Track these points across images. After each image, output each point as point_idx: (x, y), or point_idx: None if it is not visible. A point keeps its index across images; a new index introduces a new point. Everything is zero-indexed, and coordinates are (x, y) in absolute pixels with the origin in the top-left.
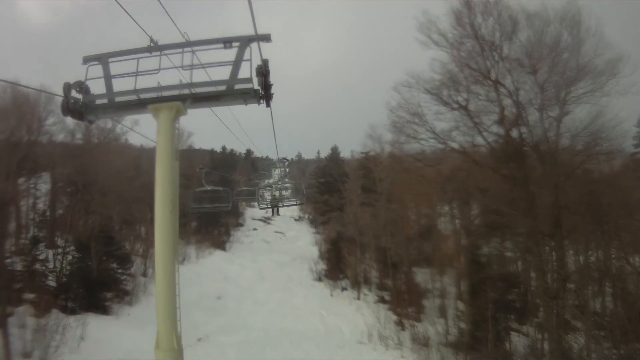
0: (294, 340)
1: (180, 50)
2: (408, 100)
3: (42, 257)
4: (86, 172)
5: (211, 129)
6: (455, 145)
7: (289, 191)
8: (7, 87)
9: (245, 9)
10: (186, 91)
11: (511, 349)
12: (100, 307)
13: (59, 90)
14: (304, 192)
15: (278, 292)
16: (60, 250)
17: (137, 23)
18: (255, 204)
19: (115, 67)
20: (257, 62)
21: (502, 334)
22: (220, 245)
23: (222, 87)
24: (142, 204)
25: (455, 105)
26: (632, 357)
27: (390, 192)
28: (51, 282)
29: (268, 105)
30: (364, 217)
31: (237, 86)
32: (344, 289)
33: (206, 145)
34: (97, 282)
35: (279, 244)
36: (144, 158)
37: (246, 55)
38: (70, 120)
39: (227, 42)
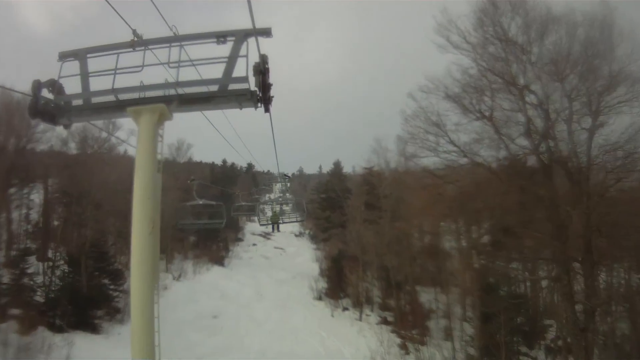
0: None
1: (167, 45)
2: (426, 108)
3: (32, 270)
4: (80, 183)
5: (212, 142)
6: (479, 159)
7: (290, 206)
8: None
9: (244, 8)
10: (172, 92)
11: None
12: (89, 325)
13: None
14: (305, 208)
15: (277, 311)
16: (49, 264)
17: (119, 14)
18: (255, 218)
19: (95, 65)
20: (255, 59)
21: None
22: (219, 260)
23: (215, 88)
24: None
25: (477, 115)
26: None
27: (395, 209)
28: (39, 297)
29: (267, 109)
30: (367, 234)
31: (232, 86)
32: (345, 309)
33: (207, 159)
34: (87, 299)
35: (279, 260)
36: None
37: (243, 52)
38: (62, 129)
39: (220, 37)
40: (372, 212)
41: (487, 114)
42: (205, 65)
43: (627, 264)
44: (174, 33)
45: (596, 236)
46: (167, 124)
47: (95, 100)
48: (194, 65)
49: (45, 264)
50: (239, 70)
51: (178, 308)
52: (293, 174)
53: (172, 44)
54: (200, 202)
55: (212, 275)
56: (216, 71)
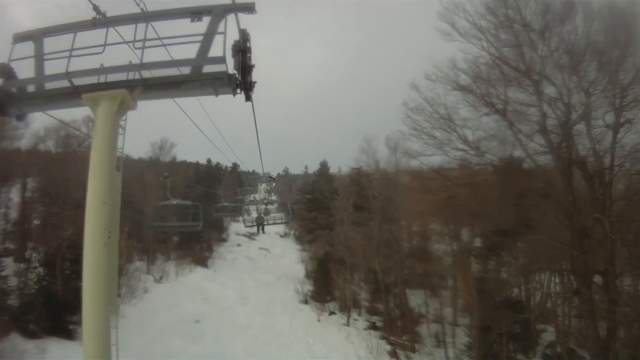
0: None
1: (133, 22)
2: (432, 100)
3: (6, 272)
4: (58, 182)
5: (197, 141)
6: (492, 158)
7: (275, 206)
8: None
9: None
10: (137, 76)
11: None
12: (64, 331)
13: None
14: (290, 210)
15: (261, 316)
16: (25, 265)
17: None
18: (240, 218)
19: (53, 47)
20: (235, 39)
21: None
22: (202, 261)
23: (187, 71)
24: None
25: (490, 109)
26: None
27: (386, 210)
28: (13, 300)
29: (248, 97)
30: (355, 236)
31: (207, 69)
32: (331, 312)
33: (191, 158)
34: (62, 303)
35: (264, 261)
36: (125, 169)
37: (221, 29)
38: (40, 126)
39: (195, 13)
40: (361, 214)
41: (499, 107)
42: (177, 46)
43: None
44: (142, 9)
45: (619, 245)
46: (148, 118)
47: (49, 86)
48: (163, 45)
49: (19, 266)
50: (216, 51)
51: (159, 312)
52: (278, 174)
53: (139, 22)
54: (174, 202)
55: (195, 277)
56: (189, 53)
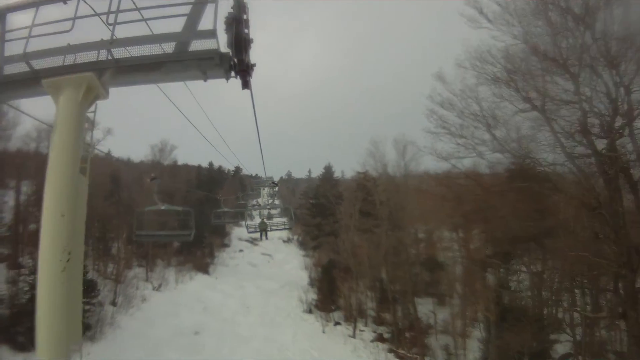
0: None
1: None
2: (461, 93)
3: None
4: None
5: (199, 144)
6: (532, 160)
7: (278, 211)
8: None
9: None
10: (108, 56)
11: None
12: None
13: None
14: (293, 215)
15: (264, 327)
16: (17, 272)
17: None
18: (242, 223)
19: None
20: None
21: None
22: (203, 268)
23: (170, 49)
24: (117, 221)
25: (528, 106)
26: None
27: (394, 216)
28: (3, 310)
29: (245, 83)
30: (361, 244)
31: (194, 46)
32: (337, 323)
33: (193, 161)
34: None
35: (266, 267)
36: (124, 173)
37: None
38: (30, 127)
39: None
40: (367, 220)
41: (538, 103)
42: (158, 21)
43: None
44: None
45: None
46: (149, 121)
47: (8, 71)
48: (143, 19)
49: (12, 272)
50: (206, 23)
51: (156, 323)
52: (281, 178)
53: None
54: (162, 207)
55: (196, 284)
56: (173, 28)
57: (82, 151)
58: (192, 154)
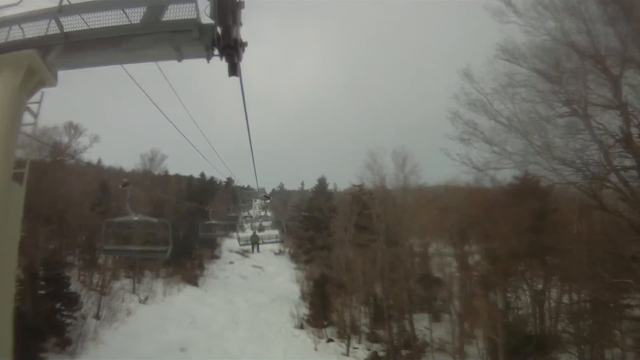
0: None
1: None
2: (490, 95)
3: None
4: (37, 193)
5: (190, 154)
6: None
7: (270, 222)
8: None
9: None
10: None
11: None
12: None
13: None
14: (285, 228)
15: (253, 343)
16: None
17: None
18: (234, 234)
19: None
20: None
21: None
22: (192, 280)
23: (136, 19)
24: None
25: (567, 110)
26: None
27: (391, 231)
28: None
29: (232, 67)
30: (355, 259)
31: (168, 15)
32: (329, 339)
33: (185, 172)
34: (31, 329)
35: (257, 280)
36: (112, 180)
37: None
38: None
39: None
40: (363, 234)
41: (578, 108)
42: None
43: None
44: None
45: None
46: (139, 129)
47: None
48: None
49: None
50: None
51: (142, 338)
52: (273, 190)
53: None
54: (136, 218)
55: (184, 297)
56: None
57: (15, 154)
58: (184, 164)
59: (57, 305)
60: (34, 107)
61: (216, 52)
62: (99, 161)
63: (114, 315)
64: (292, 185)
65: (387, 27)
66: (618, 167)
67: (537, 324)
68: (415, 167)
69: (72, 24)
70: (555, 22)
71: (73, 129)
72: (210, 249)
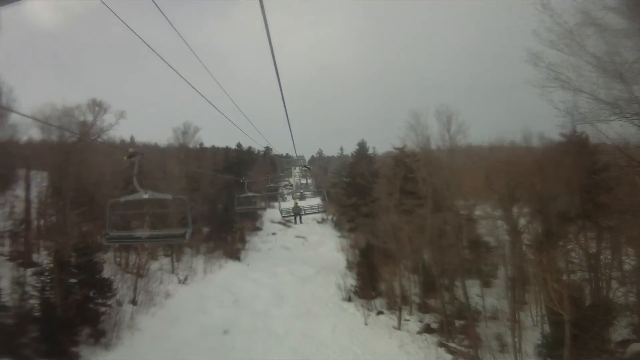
0: None
1: None
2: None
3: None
4: (63, 175)
5: (226, 125)
6: None
7: (312, 189)
8: None
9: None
10: None
11: None
12: (64, 354)
13: None
14: (326, 197)
15: (300, 320)
16: (22, 273)
17: None
18: (275, 204)
19: None
20: None
21: None
22: (234, 254)
23: None
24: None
25: None
26: None
27: (439, 194)
28: (7, 319)
29: None
30: (403, 226)
31: None
32: (379, 312)
33: (221, 143)
34: (61, 321)
35: (300, 250)
36: (146, 157)
37: None
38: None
39: None
40: (409, 200)
41: None
42: None
43: None
44: None
45: None
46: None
47: None
48: None
49: (21, 271)
50: None
51: (181, 322)
52: (312, 156)
53: None
54: (145, 196)
55: (226, 273)
56: None
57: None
58: (220, 135)
59: (90, 294)
60: None
61: None
62: (132, 138)
63: (151, 300)
64: (331, 151)
65: None
66: None
67: (592, 290)
68: (462, 126)
69: None
70: None
71: (97, 106)
72: (251, 220)
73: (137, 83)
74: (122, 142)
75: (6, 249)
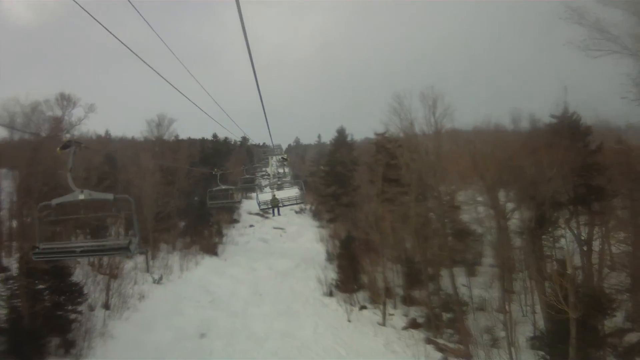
0: None
1: None
2: None
3: None
4: (31, 174)
5: (201, 116)
6: None
7: (289, 178)
8: None
9: None
10: None
11: None
12: None
13: None
14: (303, 187)
15: (280, 320)
16: None
17: None
18: (253, 195)
19: None
20: None
21: None
22: (212, 249)
23: None
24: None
25: None
26: None
27: (424, 182)
28: None
29: None
30: (385, 215)
31: None
32: (362, 307)
33: (196, 135)
34: (30, 331)
35: (279, 242)
36: (121, 151)
37: None
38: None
39: None
40: (391, 187)
41: None
42: None
43: None
44: None
45: None
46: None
47: None
48: None
49: None
50: None
51: (156, 326)
52: (289, 145)
53: None
54: (81, 196)
55: (203, 270)
56: None
57: None
58: (196, 127)
59: (60, 300)
60: None
61: None
62: (107, 133)
63: (125, 303)
64: (308, 139)
65: None
66: None
67: (584, 277)
68: (448, 109)
69: None
70: None
71: (65, 100)
72: (228, 213)
73: (114, 77)
74: (98, 136)
75: None
